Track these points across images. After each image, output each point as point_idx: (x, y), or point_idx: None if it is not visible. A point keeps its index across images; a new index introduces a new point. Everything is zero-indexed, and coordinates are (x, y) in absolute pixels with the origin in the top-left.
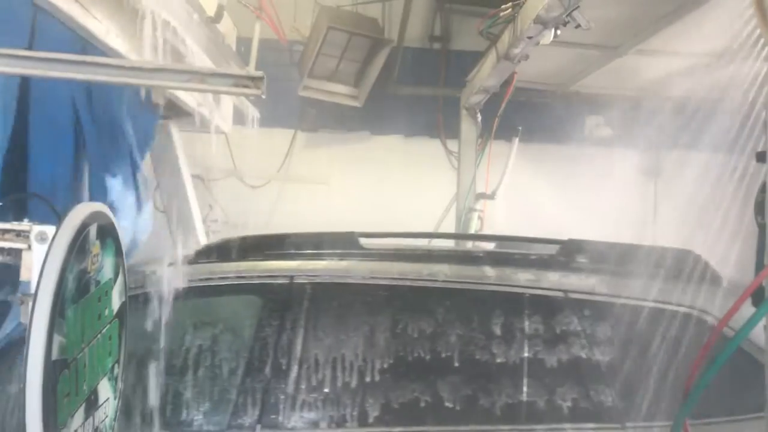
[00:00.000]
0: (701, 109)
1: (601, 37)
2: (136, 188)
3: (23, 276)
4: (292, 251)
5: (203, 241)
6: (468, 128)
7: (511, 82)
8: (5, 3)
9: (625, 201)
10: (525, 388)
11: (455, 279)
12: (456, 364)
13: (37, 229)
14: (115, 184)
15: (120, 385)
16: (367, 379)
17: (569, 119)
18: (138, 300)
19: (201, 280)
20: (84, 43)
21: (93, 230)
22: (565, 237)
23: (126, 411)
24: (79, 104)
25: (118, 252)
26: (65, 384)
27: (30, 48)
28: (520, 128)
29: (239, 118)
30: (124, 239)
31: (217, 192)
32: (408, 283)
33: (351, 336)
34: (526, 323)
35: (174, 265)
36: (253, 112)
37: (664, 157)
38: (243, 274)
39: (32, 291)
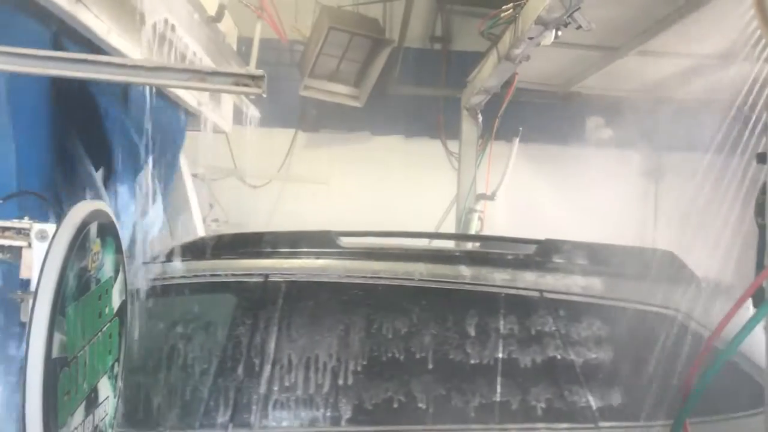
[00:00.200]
0: (702, 111)
1: (602, 38)
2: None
3: (23, 274)
4: (268, 250)
5: None
6: (468, 129)
7: (512, 82)
8: None
9: (625, 202)
10: (499, 388)
11: (431, 278)
12: (431, 364)
13: (37, 227)
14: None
15: (120, 383)
16: (341, 379)
17: (570, 120)
18: None
19: (175, 278)
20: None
21: (93, 228)
22: (564, 238)
23: None
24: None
25: (119, 250)
26: (65, 382)
27: None
28: (520, 129)
29: (240, 117)
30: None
31: (217, 191)
32: (383, 282)
33: (325, 335)
34: (502, 323)
35: (148, 262)
36: (253, 112)
37: (665, 158)
38: (217, 273)
39: (32, 289)
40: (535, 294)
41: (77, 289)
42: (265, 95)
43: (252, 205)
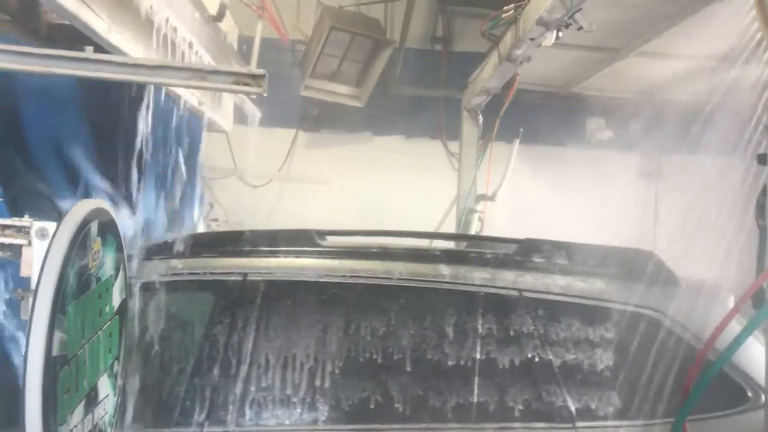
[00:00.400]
0: (703, 112)
1: (602, 40)
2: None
3: (23, 272)
4: (247, 248)
5: None
6: (469, 129)
7: (512, 83)
8: None
9: (625, 204)
10: (477, 387)
11: (410, 277)
12: (409, 363)
13: (37, 225)
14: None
15: (120, 382)
16: (318, 378)
17: (570, 121)
18: None
19: (153, 276)
20: None
21: (94, 227)
22: (565, 238)
23: None
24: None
25: (119, 249)
26: (65, 380)
27: None
28: (521, 130)
29: (240, 117)
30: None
31: (217, 191)
32: (362, 281)
33: (304, 334)
34: (480, 321)
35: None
36: (254, 112)
37: (665, 160)
38: (196, 271)
39: (33, 287)
40: (514, 293)
41: (77, 288)
42: (266, 94)
43: (252, 204)
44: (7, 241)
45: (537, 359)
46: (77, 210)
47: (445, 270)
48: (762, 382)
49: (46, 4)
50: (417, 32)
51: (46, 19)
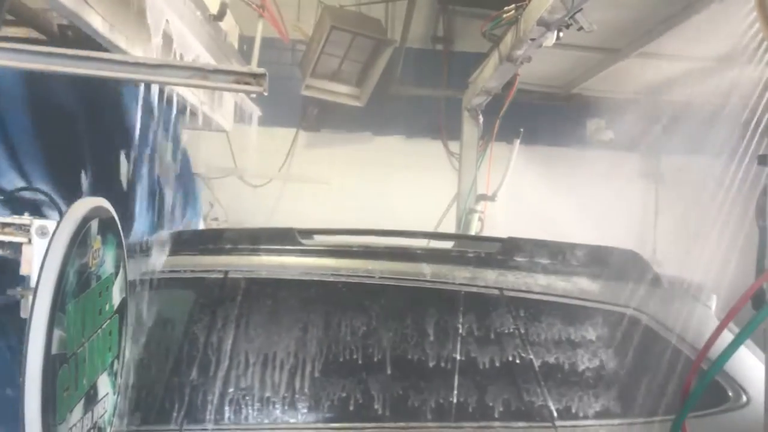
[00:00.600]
0: (703, 113)
1: (603, 40)
2: None
3: (23, 270)
4: (228, 246)
5: None
6: (469, 130)
7: (513, 84)
8: None
9: (626, 204)
10: (456, 386)
11: (391, 276)
12: (390, 361)
13: (37, 223)
14: None
15: (119, 380)
16: (298, 376)
17: (571, 122)
18: None
19: (134, 274)
20: None
21: (94, 225)
22: (564, 239)
23: None
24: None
25: (120, 247)
26: (65, 378)
27: None
28: (521, 130)
29: (241, 116)
30: None
31: (217, 190)
32: (343, 279)
33: (284, 332)
34: (461, 320)
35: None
36: (254, 111)
37: (666, 160)
38: (176, 269)
39: (32, 285)
40: (495, 292)
41: (77, 286)
42: (266, 93)
43: (252, 204)
44: (7, 239)
45: (517, 357)
46: (77, 208)
47: (426, 269)
48: (743, 382)
49: (48, 2)
50: (418, 32)
51: (58, 22)
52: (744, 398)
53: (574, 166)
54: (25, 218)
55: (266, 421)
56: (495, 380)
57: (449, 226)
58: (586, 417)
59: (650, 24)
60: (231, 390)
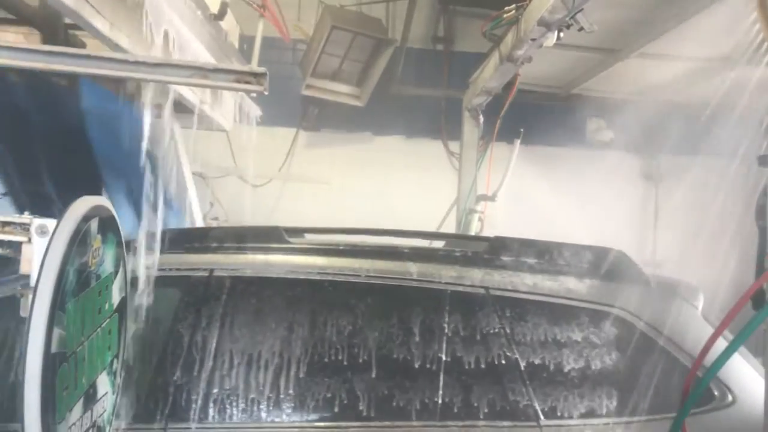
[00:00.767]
0: (703, 113)
1: (603, 40)
2: None
3: (23, 269)
4: (214, 245)
5: None
6: (470, 130)
7: (513, 84)
8: None
9: (626, 204)
10: (442, 385)
11: (377, 274)
12: (375, 360)
13: (37, 222)
14: None
15: (119, 379)
16: (283, 375)
17: (571, 122)
18: None
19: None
20: None
21: (94, 224)
22: (564, 239)
23: None
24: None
25: (119, 246)
26: (64, 377)
27: None
28: (521, 130)
29: (241, 116)
30: None
31: (217, 190)
32: (329, 278)
33: (269, 331)
34: (447, 319)
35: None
36: (255, 111)
37: (666, 161)
38: (161, 267)
39: (32, 284)
40: (481, 291)
41: (77, 285)
42: (266, 93)
43: (252, 204)
44: (7, 238)
45: (503, 358)
46: (77, 207)
47: (413, 268)
48: (728, 382)
49: (50, 1)
50: (418, 32)
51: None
52: (729, 398)
53: (574, 167)
54: (25, 217)
55: (251, 420)
56: (480, 379)
57: (450, 227)
58: (571, 416)
59: (650, 24)
60: (216, 389)
